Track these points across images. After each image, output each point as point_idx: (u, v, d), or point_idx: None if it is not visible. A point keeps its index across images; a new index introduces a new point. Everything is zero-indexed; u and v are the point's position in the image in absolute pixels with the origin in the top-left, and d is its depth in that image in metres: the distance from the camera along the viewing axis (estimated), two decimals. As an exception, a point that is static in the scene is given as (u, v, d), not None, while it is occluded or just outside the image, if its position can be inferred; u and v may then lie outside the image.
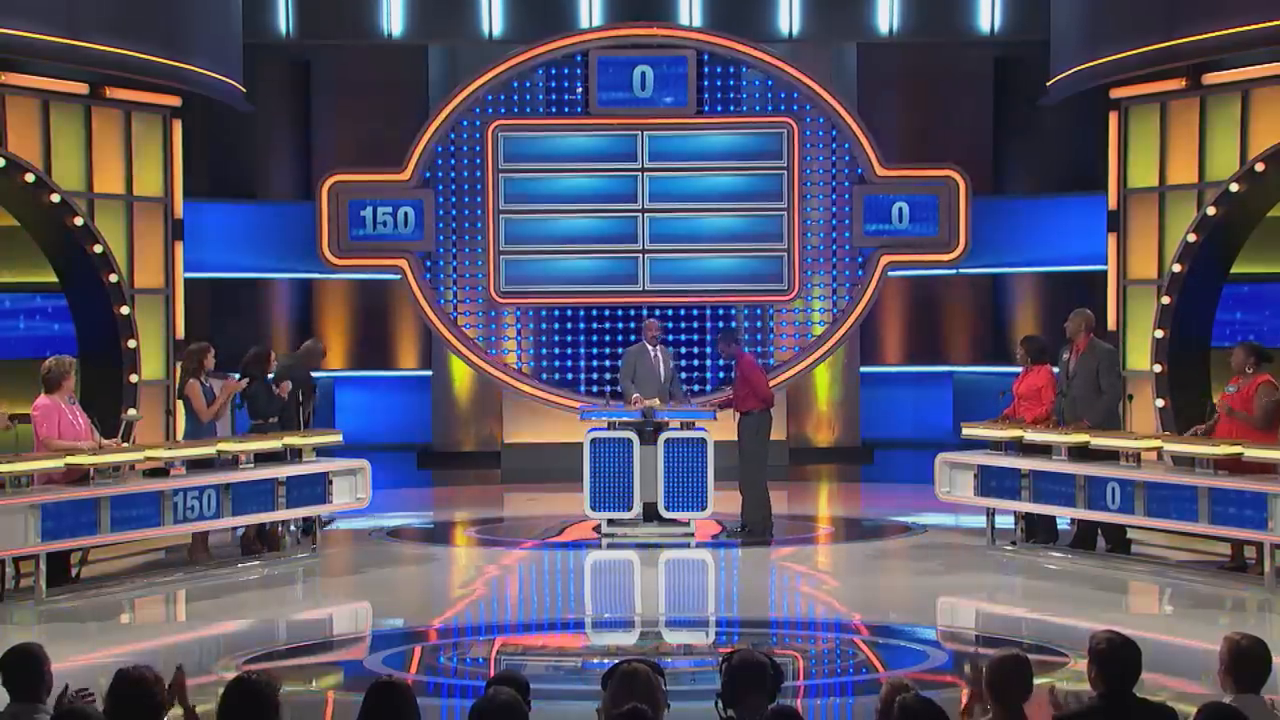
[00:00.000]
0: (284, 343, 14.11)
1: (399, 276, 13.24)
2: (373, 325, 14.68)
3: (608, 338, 13.42)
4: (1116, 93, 11.30)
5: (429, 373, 14.08)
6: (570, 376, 13.49)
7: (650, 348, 9.62)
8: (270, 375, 9.15)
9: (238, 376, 8.93)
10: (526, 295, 13.24)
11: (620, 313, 13.40)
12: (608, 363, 13.39)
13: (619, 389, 9.73)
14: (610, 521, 9.35)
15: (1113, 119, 11.45)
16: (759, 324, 13.44)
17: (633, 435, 9.27)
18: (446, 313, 13.34)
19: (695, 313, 13.48)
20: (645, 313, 13.18)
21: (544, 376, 13.44)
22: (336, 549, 9.14)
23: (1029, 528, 8.84)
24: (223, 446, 8.39)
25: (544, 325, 13.53)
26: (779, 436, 12.80)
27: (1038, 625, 7.01)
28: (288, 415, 9.20)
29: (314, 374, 9.53)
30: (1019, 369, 9.19)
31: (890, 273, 13.29)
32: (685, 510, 9.30)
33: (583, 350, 13.52)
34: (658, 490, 9.26)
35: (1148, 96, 11.08)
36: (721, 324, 13.33)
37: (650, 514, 9.37)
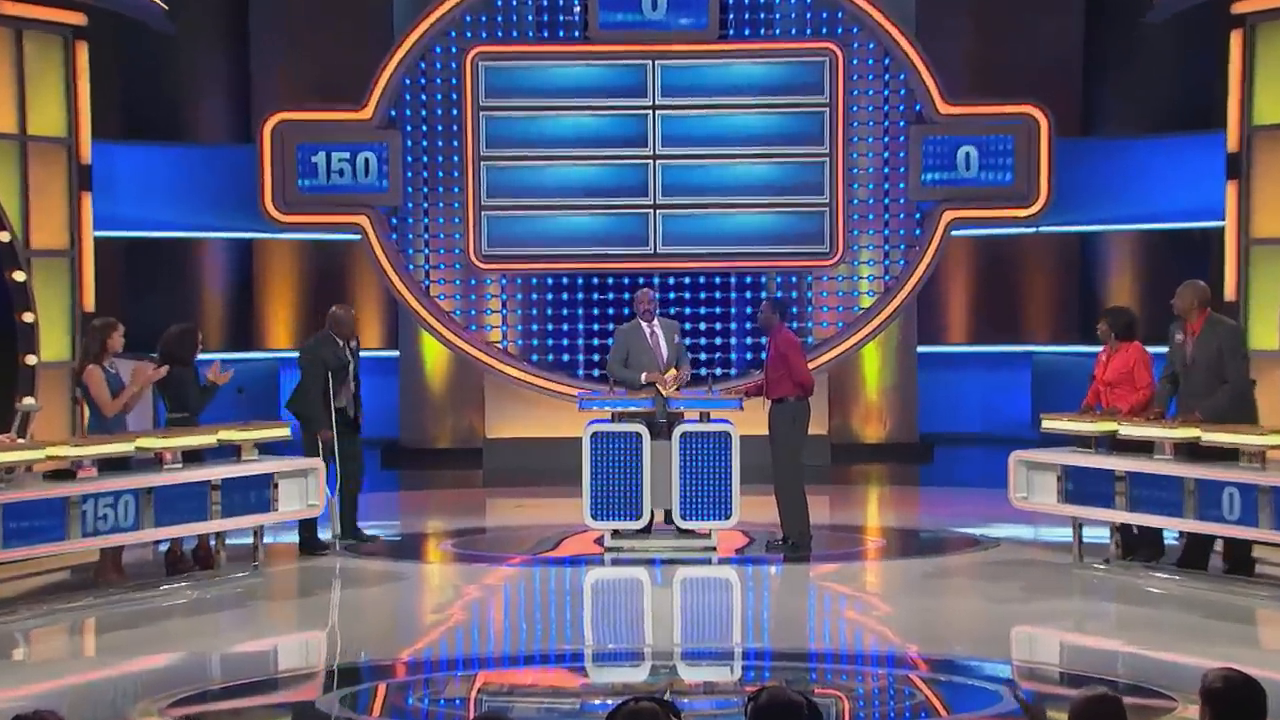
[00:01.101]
0: (216, 316, 14.12)
1: (358, 237, 13.22)
2: (326, 296, 14.61)
3: (611, 311, 13.40)
4: (1240, 6, 11.12)
5: (395, 353, 14.07)
6: (566, 358, 13.47)
7: (645, 325, 9.56)
8: (199, 358, 9.09)
9: (156, 361, 8.87)
10: (514, 260, 13.22)
11: (626, 281, 13.36)
12: (611, 341, 13.32)
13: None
14: (615, 533, 9.33)
15: (1235, 39, 11.27)
16: (795, 294, 13.39)
17: (642, 429, 9.22)
18: (417, 281, 13.32)
19: (717, 281, 13.45)
20: (656, 281, 13.14)
21: (535, 358, 13.43)
22: (283, 567, 9.12)
23: (1126, 542, 8.77)
24: (143, 443, 8.35)
25: (534, 296, 13.51)
26: (819, 430, 12.77)
27: (1137, 661, 6.95)
28: (313, 411, 9.14)
29: (343, 350, 9.44)
30: (1100, 348, 9.09)
31: (955, 231, 13.23)
32: (705, 519, 9.27)
33: (581, 326, 13.50)
34: (672, 495, 9.23)
35: (1280, 10, 10.93)
36: (750, 294, 13.29)
37: (663, 524, 9.34)
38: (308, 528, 9.28)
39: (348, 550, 9.46)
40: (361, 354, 14.57)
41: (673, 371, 9.36)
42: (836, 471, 12.91)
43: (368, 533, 9.65)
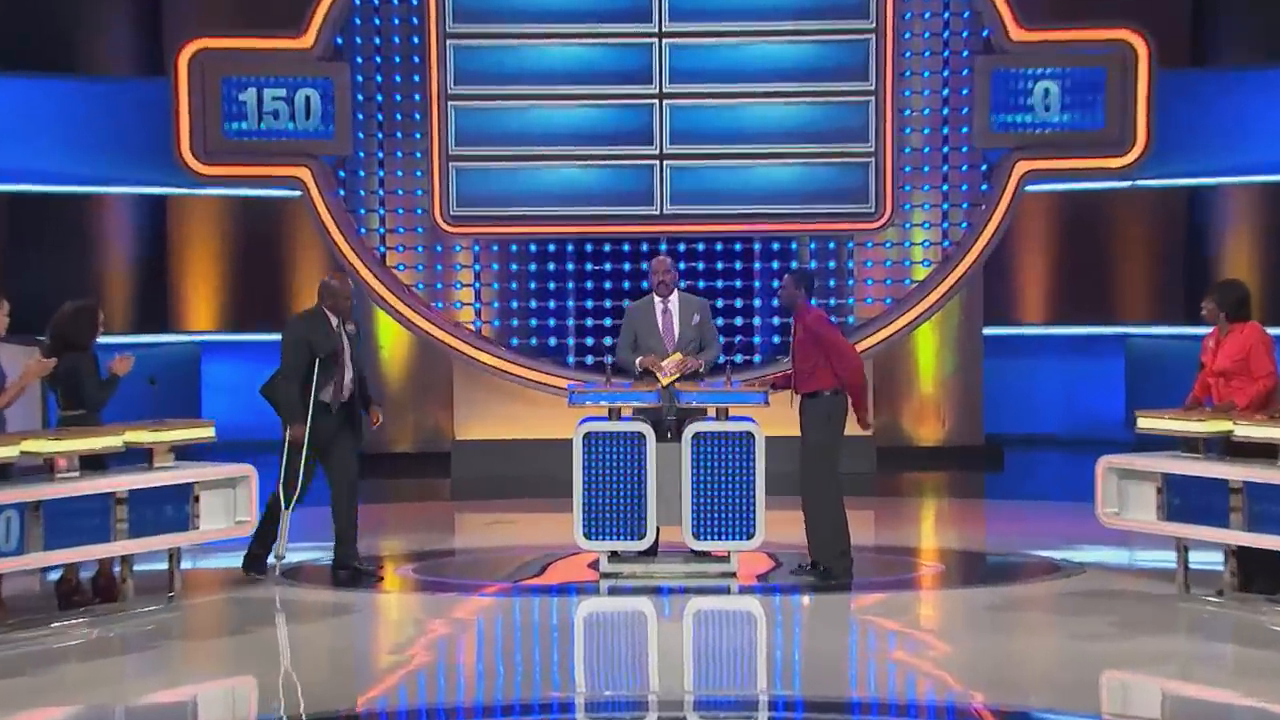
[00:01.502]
0: (122, 291, 14.08)
1: (297, 193, 13.18)
2: (258, 266, 14.63)
3: (608, 284, 13.37)
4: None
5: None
6: (553, 342, 13.44)
7: (659, 300, 9.52)
8: (100, 342, 9.04)
9: (46, 347, 8.82)
10: (488, 222, 13.19)
11: (626, 248, 13.35)
12: (608, 321, 13.30)
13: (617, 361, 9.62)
14: (614, 556, 9.31)
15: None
16: (834, 264, 13.34)
17: (646, 429, 9.20)
18: (369, 247, 13.29)
19: (738, 249, 13.43)
20: (664, 248, 13.10)
21: (514, 342, 13.41)
22: (205, 599, 9.10)
23: (1244, 569, 8.73)
24: (30, 446, 8.31)
25: (514, 266, 13.48)
26: (862, 431, 12.73)
27: (1256, 717, 6.92)
28: (286, 401, 9.07)
29: (335, 328, 9.35)
30: (1207, 330, 9.05)
31: (1031, 186, 13.18)
32: (723, 539, 9.27)
33: (571, 304, 13.48)
34: (683, 509, 9.21)
35: None
36: (778, 264, 13.26)
37: (672, 545, 9.29)
38: (262, 542, 9.25)
39: (286, 577, 9.44)
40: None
41: (676, 356, 9.29)
42: (883, 481, 12.87)
43: (365, 566, 9.56)
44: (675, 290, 9.58)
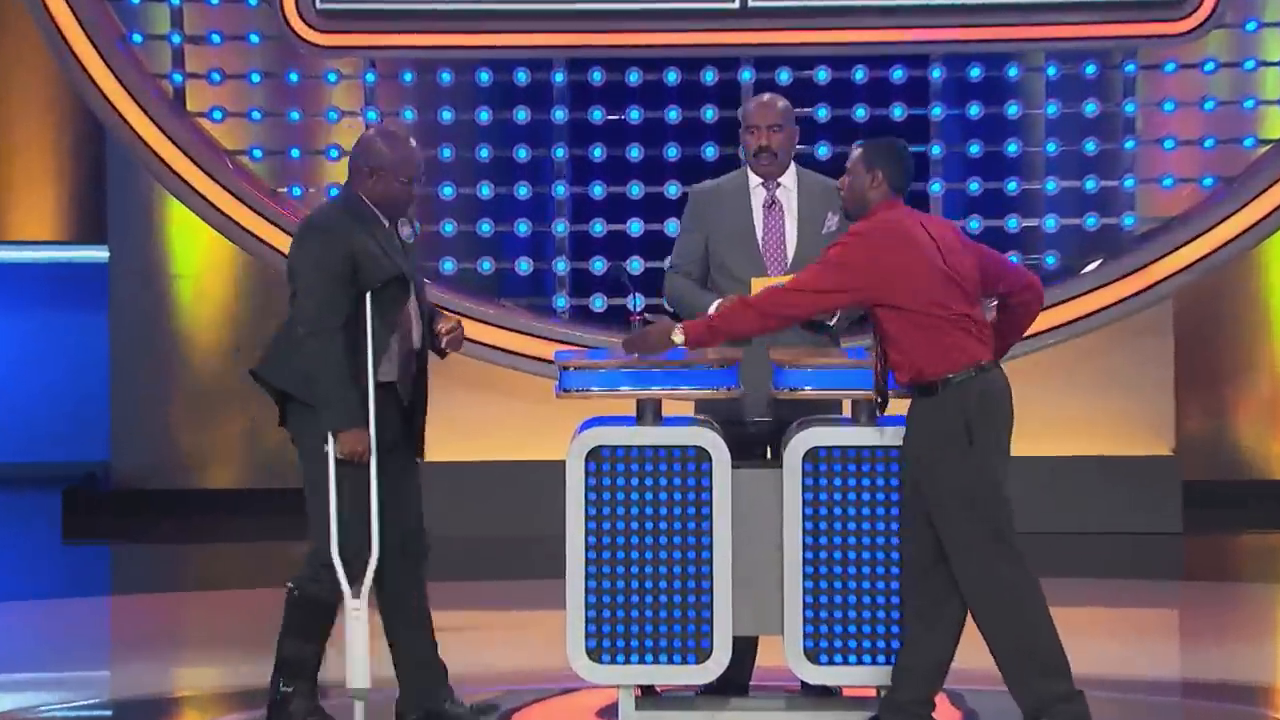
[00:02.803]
0: None
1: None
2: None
3: (635, 153, 13.48)
4: None
5: (100, 254, 14.54)
6: (526, 267, 13.60)
7: (761, 185, 9.62)
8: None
9: None
10: (394, 24, 13.32)
11: (673, 79, 13.46)
12: (635, 226, 13.45)
13: (670, 302, 9.76)
14: (645, 695, 9.49)
15: None
16: (1092, 109, 13.42)
17: (712, 439, 9.27)
18: (151, 75, 13.41)
19: (894, 81, 13.55)
20: (748, 76, 13.24)
21: (448, 266, 13.53)
22: None
23: None
24: None
25: (448, 116, 13.60)
26: (1150, 448, 12.83)
27: None
28: (329, 384, 9.13)
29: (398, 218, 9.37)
30: None
31: None
32: (863, 662, 9.32)
33: (562, 191, 13.62)
34: (785, 605, 9.29)
35: None
36: (978, 111, 13.40)
37: (767, 673, 9.48)
38: (296, 669, 9.21)
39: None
40: (15, 254, 14.86)
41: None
42: (1198, 550, 13.02)
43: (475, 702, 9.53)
44: (792, 166, 9.74)
